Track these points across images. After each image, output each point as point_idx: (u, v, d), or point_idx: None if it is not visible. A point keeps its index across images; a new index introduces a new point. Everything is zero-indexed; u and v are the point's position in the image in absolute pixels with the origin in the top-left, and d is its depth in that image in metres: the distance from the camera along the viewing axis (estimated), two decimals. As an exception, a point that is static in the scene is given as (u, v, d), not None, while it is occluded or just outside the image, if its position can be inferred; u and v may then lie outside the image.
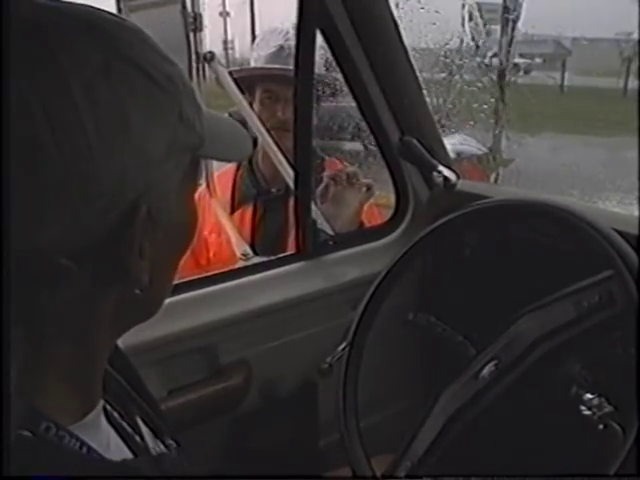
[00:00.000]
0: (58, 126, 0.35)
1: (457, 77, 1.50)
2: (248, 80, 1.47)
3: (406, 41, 1.22)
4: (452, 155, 1.45)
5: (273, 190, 1.52)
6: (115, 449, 0.47)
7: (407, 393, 1.32)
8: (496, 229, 1.19)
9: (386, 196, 1.48)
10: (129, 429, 0.52)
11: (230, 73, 1.43)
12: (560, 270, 0.98)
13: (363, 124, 1.34)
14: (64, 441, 0.39)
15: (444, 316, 1.08)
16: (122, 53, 0.39)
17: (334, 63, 1.25)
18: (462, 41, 1.50)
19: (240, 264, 1.35)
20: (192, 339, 1.13)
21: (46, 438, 0.38)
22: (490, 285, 1.16)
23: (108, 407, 0.50)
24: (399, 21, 1.19)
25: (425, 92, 1.30)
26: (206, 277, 1.21)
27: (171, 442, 0.59)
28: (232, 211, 1.53)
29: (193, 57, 1.37)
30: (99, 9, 0.42)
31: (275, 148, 1.40)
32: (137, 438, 0.53)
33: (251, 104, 1.45)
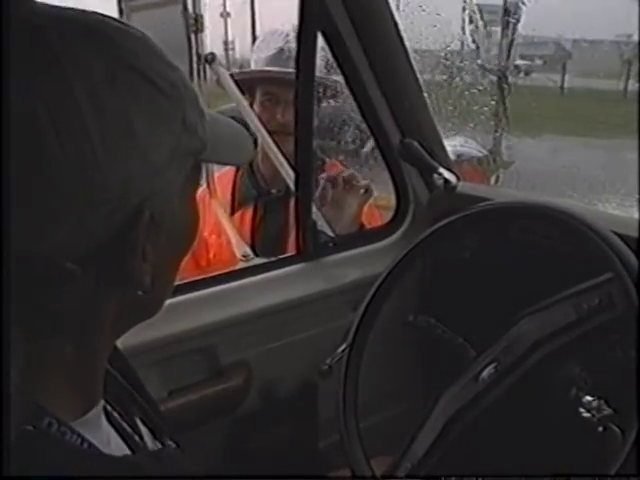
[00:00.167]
0: (63, 131, 0.36)
1: (458, 79, 1.50)
2: (248, 82, 1.47)
3: (407, 43, 1.22)
4: (452, 157, 1.45)
5: (273, 191, 1.52)
6: (115, 447, 0.47)
7: (407, 395, 1.32)
8: (496, 231, 1.19)
9: (386, 197, 1.48)
10: (129, 429, 0.53)
11: (231, 75, 1.43)
12: (560, 273, 0.98)
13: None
14: (66, 437, 0.40)
15: (444, 318, 1.08)
16: (126, 61, 0.40)
17: (334, 65, 1.25)
18: (463, 43, 1.50)
19: (240, 265, 1.35)
20: (192, 340, 1.13)
21: (48, 433, 0.39)
22: (490, 287, 1.16)
23: (108, 407, 0.51)
24: (399, 23, 1.19)
25: (425, 94, 1.31)
26: (206, 278, 1.21)
27: (170, 443, 0.60)
28: (232, 212, 1.53)
29: (194, 58, 1.37)
30: (104, 15, 0.42)
31: (275, 149, 1.40)
32: (136, 438, 0.53)
33: (252, 105, 1.45)
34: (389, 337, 1.16)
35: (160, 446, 0.58)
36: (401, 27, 1.20)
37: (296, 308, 1.24)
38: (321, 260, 1.32)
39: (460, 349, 1.03)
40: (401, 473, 0.94)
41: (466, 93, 1.50)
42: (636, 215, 1.29)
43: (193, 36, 1.38)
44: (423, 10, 1.25)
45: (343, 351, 1.10)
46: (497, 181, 1.99)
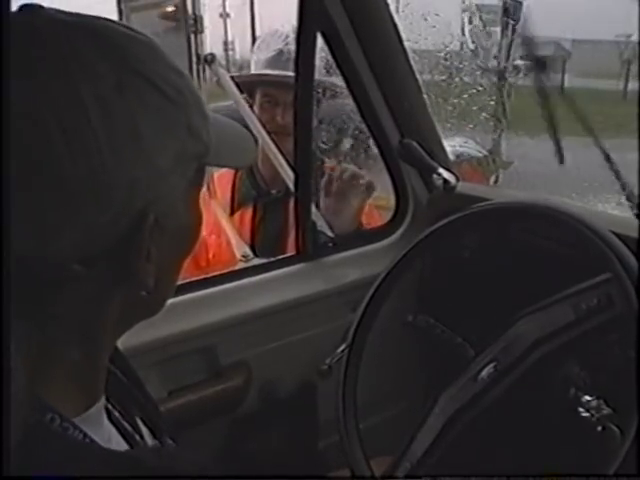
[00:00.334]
0: (71, 135, 0.37)
1: (457, 79, 1.50)
2: (248, 85, 1.47)
3: (406, 44, 1.23)
4: (452, 157, 1.45)
5: (273, 192, 1.52)
6: (116, 445, 0.48)
7: (406, 394, 1.32)
8: (495, 231, 1.20)
9: (385, 198, 1.48)
10: (129, 428, 0.54)
11: (231, 77, 1.44)
12: (559, 272, 0.98)
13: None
14: (68, 432, 0.41)
15: (443, 318, 1.08)
16: (133, 66, 0.41)
17: (334, 66, 1.25)
18: (462, 44, 1.50)
19: (240, 265, 1.35)
20: (192, 340, 1.13)
21: (51, 428, 0.40)
22: (489, 287, 1.16)
23: (109, 406, 0.52)
24: (399, 24, 1.20)
25: (425, 94, 1.31)
26: (206, 279, 1.21)
27: (170, 442, 0.60)
28: (232, 212, 1.53)
29: (194, 59, 1.37)
30: (111, 20, 0.43)
31: (275, 150, 1.40)
32: (137, 437, 0.54)
33: (251, 106, 1.46)
34: (388, 337, 1.16)
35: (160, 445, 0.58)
36: (400, 28, 1.20)
37: (296, 308, 1.25)
38: (320, 260, 1.32)
39: (459, 349, 1.03)
40: (400, 473, 0.95)
41: (465, 95, 1.50)
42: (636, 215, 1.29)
43: (192, 37, 1.38)
44: (425, 19, 1.25)
45: (342, 351, 1.10)
46: (496, 181, 2.00)
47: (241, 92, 1.43)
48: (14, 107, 0.36)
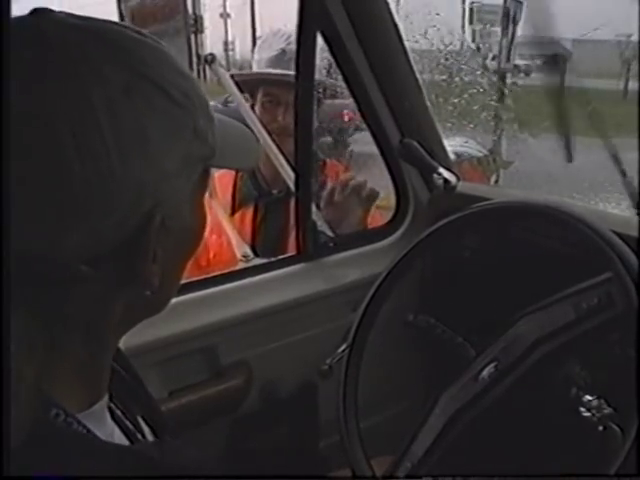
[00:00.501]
0: (81, 138, 0.37)
1: (457, 79, 1.50)
2: (249, 84, 1.47)
3: (406, 43, 1.23)
4: (452, 157, 1.45)
5: (274, 191, 1.52)
6: (118, 442, 0.49)
7: (407, 394, 1.32)
8: (496, 231, 1.20)
9: (386, 198, 1.48)
10: (131, 426, 0.54)
11: (232, 76, 1.44)
12: (559, 272, 0.98)
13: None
14: (72, 427, 0.41)
15: (444, 317, 1.08)
16: (142, 70, 0.41)
17: (335, 66, 1.25)
18: (462, 43, 1.50)
19: (240, 265, 1.35)
20: (193, 340, 1.13)
21: (55, 423, 0.40)
22: (490, 287, 1.16)
23: (112, 405, 0.52)
24: (399, 23, 1.20)
25: (425, 94, 1.31)
26: (207, 279, 1.21)
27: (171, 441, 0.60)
28: (233, 212, 1.53)
29: (194, 59, 1.37)
30: (121, 24, 0.44)
31: (276, 150, 1.40)
32: (139, 436, 0.55)
33: (252, 106, 1.45)
34: (389, 337, 1.16)
35: None
36: (401, 28, 1.20)
37: (296, 308, 1.25)
38: (321, 260, 1.32)
39: (460, 349, 1.03)
40: (401, 473, 0.95)
41: (465, 95, 1.50)
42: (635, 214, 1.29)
43: (193, 37, 1.38)
44: (425, 36, 1.26)
45: (343, 351, 1.10)
46: (497, 181, 2.00)
47: (242, 91, 1.43)
48: (25, 110, 0.36)
